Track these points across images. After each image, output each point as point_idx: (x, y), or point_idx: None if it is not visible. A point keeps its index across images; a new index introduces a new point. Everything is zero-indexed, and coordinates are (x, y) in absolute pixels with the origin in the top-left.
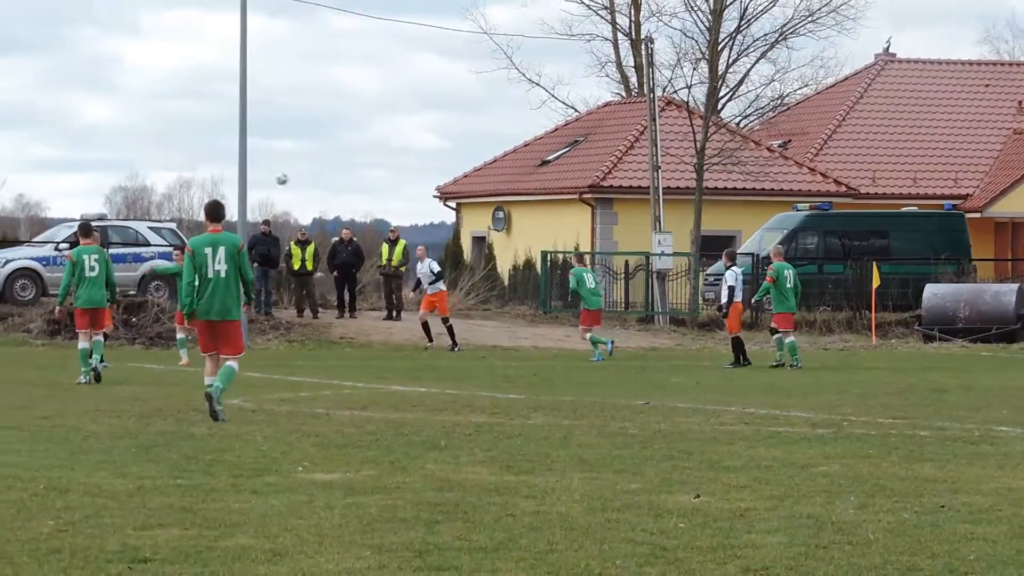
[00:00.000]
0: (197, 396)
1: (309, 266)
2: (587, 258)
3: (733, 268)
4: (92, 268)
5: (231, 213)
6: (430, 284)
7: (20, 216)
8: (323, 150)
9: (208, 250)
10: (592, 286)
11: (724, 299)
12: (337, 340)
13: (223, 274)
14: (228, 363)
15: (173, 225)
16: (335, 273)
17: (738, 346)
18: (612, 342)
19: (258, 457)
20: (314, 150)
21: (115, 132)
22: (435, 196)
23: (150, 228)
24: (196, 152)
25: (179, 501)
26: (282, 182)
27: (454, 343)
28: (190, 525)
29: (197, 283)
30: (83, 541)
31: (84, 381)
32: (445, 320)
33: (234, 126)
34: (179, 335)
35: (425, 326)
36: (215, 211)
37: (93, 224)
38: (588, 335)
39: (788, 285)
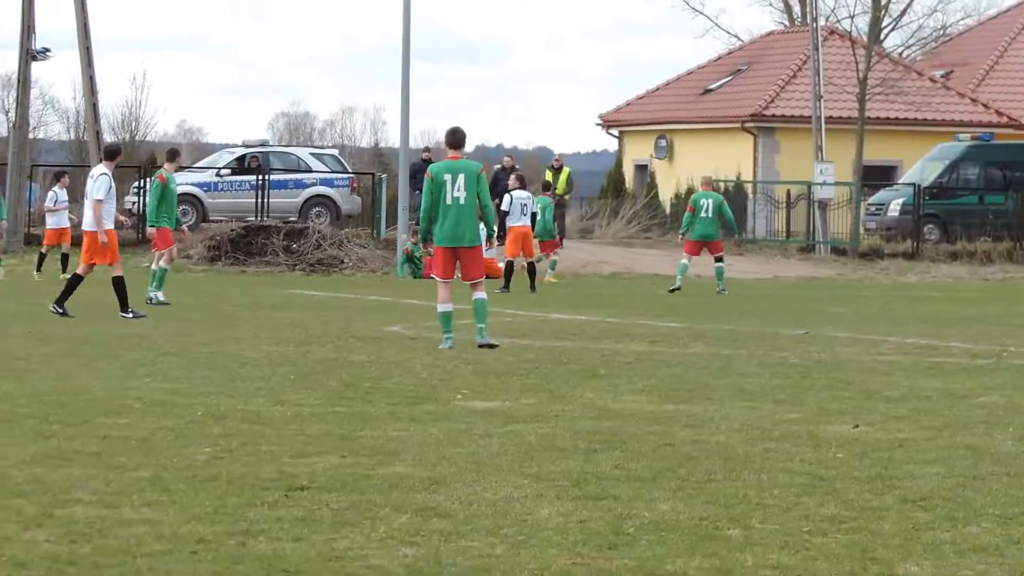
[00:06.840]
0: (356, 323)
1: None
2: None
3: None
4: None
5: (392, 140)
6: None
7: (182, 142)
8: (488, 76)
9: (448, 176)
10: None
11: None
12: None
13: (462, 201)
14: (478, 296)
15: (335, 151)
16: (496, 200)
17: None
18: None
19: (417, 385)
20: (480, 75)
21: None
22: (598, 124)
23: (312, 155)
24: (360, 79)
25: (337, 429)
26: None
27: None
28: (347, 453)
29: (432, 209)
30: (240, 468)
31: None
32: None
33: (398, 52)
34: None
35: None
36: (455, 138)
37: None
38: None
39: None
